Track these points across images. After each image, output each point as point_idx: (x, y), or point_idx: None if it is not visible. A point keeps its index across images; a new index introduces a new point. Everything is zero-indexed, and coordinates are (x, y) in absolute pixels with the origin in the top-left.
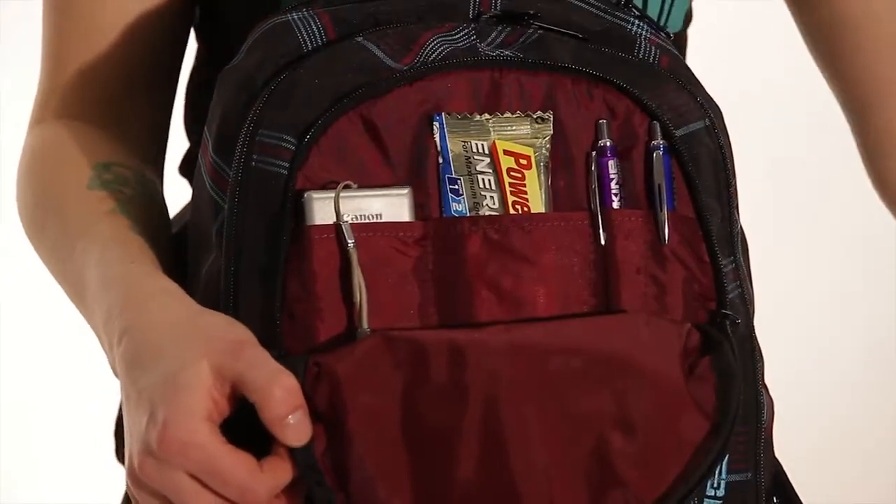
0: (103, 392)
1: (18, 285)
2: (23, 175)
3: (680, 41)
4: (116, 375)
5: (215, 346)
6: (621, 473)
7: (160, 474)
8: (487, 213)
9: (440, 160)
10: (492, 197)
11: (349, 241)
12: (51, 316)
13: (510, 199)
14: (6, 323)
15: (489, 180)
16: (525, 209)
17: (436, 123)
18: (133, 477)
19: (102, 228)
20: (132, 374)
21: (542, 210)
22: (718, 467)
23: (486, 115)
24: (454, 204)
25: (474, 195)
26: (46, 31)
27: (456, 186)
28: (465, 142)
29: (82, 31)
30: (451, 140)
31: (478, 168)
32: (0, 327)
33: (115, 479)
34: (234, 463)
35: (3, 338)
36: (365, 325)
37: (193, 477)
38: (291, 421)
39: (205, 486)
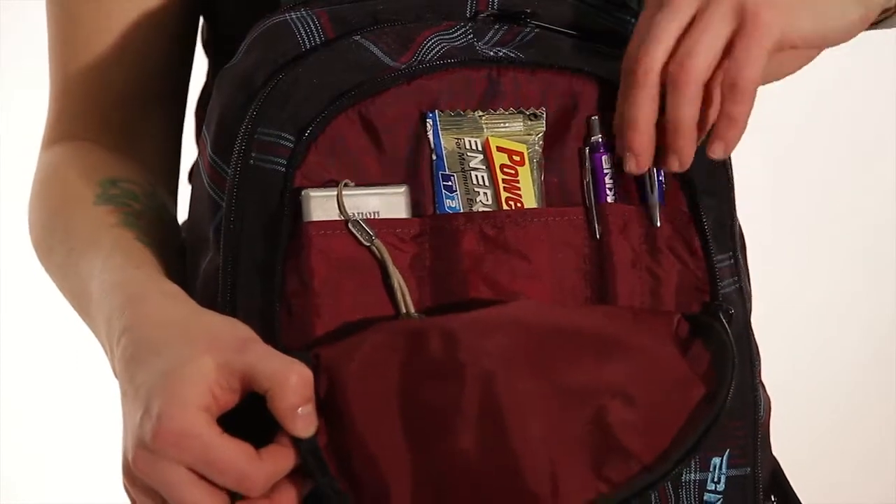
0: (104, 393)
1: (19, 286)
2: (33, 199)
3: None
4: (117, 377)
5: (220, 343)
6: (621, 440)
7: (153, 468)
8: (481, 209)
9: (434, 157)
10: (485, 193)
11: (371, 235)
12: (52, 317)
13: (503, 195)
14: (7, 323)
15: (482, 177)
16: (518, 205)
17: (429, 120)
18: (128, 474)
19: (107, 240)
20: (130, 370)
21: (536, 206)
22: (721, 460)
23: (479, 112)
24: (448, 200)
25: (468, 191)
26: (52, 54)
27: (449, 183)
28: (458, 138)
29: (87, 52)
30: (444, 137)
31: (471, 164)
32: (0, 328)
33: (117, 478)
34: (232, 450)
35: (4, 338)
36: (412, 310)
37: (189, 470)
38: (302, 412)
39: (199, 478)
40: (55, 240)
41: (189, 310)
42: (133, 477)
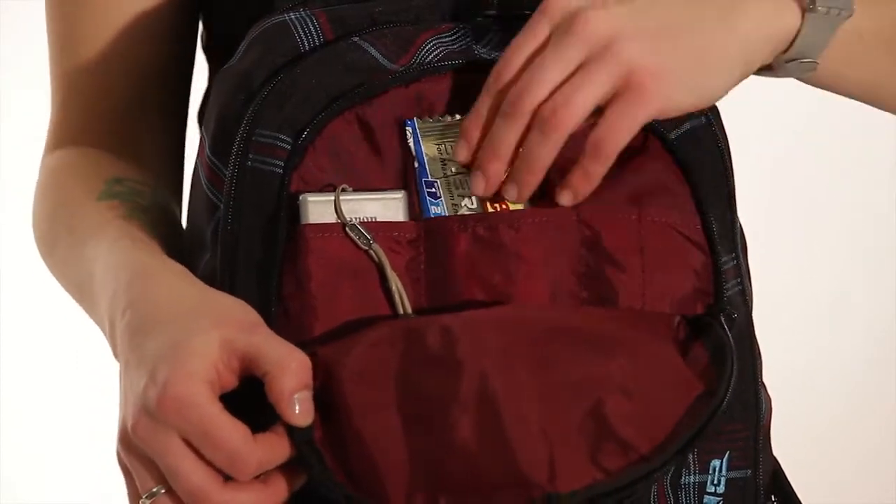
0: (105, 393)
1: (20, 287)
2: (37, 199)
3: None
4: (118, 352)
5: (228, 321)
6: (618, 430)
7: (153, 434)
8: (467, 213)
9: (416, 164)
10: (470, 198)
11: (369, 239)
12: (52, 318)
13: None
14: (7, 323)
15: (466, 181)
16: (503, 208)
17: (408, 128)
18: (125, 440)
19: (113, 227)
20: (135, 340)
21: (521, 209)
22: (721, 463)
23: (458, 116)
24: (433, 207)
25: (452, 197)
26: (52, 59)
27: (433, 189)
28: (439, 144)
29: (86, 57)
30: (425, 144)
31: (454, 170)
32: (1, 328)
33: (117, 477)
34: (230, 428)
35: (4, 338)
36: (409, 310)
37: (186, 443)
38: (299, 398)
39: (195, 452)
40: (59, 234)
41: (198, 287)
42: (130, 445)
